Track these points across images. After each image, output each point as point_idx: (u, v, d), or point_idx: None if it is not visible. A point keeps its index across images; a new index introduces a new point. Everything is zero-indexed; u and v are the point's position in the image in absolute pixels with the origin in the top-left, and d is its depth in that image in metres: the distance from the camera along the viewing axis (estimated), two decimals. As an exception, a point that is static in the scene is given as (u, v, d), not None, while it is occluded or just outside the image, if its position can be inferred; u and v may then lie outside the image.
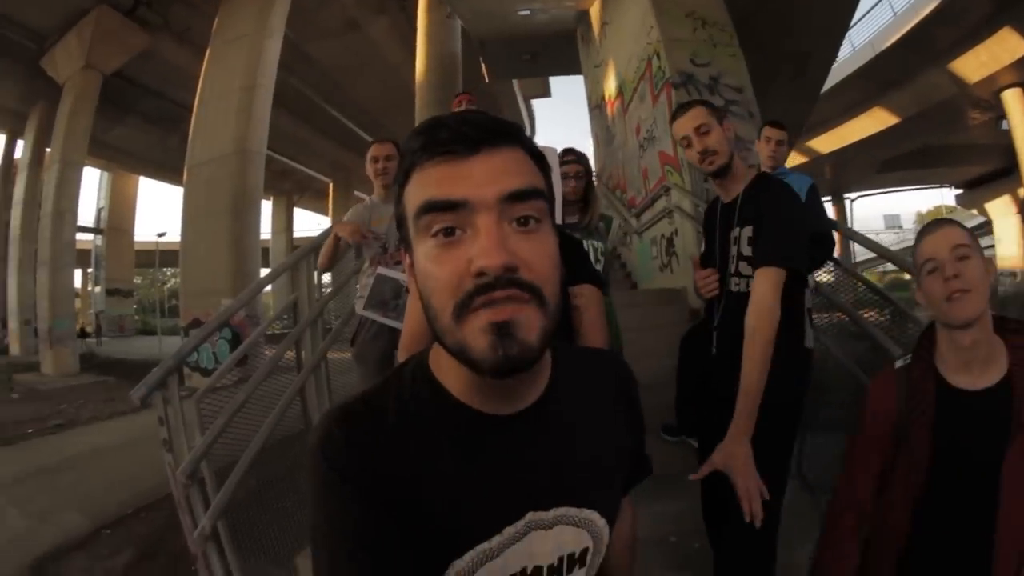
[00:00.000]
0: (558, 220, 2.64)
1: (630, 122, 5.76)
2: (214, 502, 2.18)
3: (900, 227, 46.39)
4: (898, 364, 1.30)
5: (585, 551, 0.69)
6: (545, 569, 0.66)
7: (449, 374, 0.63)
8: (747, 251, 1.72)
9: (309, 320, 3.23)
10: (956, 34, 15.34)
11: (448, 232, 0.54)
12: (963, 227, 1.19)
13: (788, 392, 1.62)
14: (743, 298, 1.66)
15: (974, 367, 1.18)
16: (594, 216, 2.67)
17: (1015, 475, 1.10)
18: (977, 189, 27.14)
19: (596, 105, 7.40)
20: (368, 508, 0.59)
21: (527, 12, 7.50)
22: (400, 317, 2.58)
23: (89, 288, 32.26)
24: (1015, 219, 24.73)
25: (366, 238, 2.78)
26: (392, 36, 15.70)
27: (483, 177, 0.55)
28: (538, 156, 0.62)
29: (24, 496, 5.35)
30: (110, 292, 27.53)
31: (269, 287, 4.19)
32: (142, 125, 21.05)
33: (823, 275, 2.96)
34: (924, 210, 48.46)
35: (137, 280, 35.87)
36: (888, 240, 49.43)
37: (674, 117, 1.79)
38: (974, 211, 30.37)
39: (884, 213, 45.65)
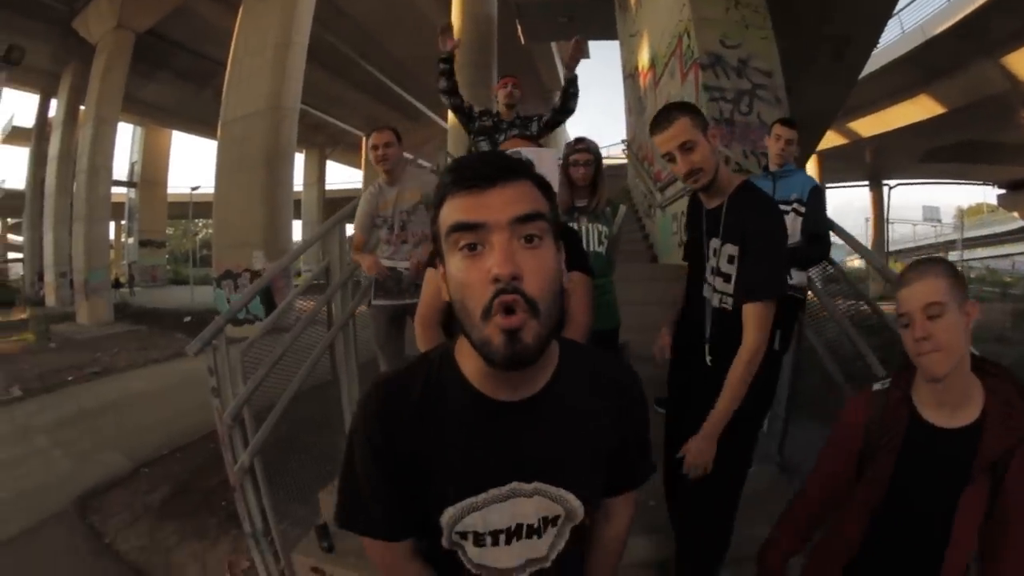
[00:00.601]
0: (569, 203, 2.82)
1: (660, 96, 5.67)
2: (252, 441, 2.49)
3: (939, 221, 44.77)
4: (876, 387, 1.33)
5: (557, 517, 0.88)
6: (525, 527, 0.87)
7: (468, 365, 0.84)
8: (726, 268, 1.73)
9: (340, 282, 3.39)
10: (1013, 26, 14.57)
11: (471, 247, 0.73)
12: (945, 273, 1.17)
13: (754, 392, 1.70)
14: (728, 317, 1.73)
15: (946, 406, 1.21)
16: (600, 201, 2.83)
17: (968, 514, 1.16)
18: (1022, 191, 26.18)
19: (630, 74, 7.26)
20: (382, 467, 0.84)
21: (563, -25, 7.36)
22: (403, 295, 3.07)
23: (123, 239, 33.00)
24: (1059, 223, 23.82)
25: (384, 274, 3.02)
26: (429, -11, 15.53)
27: (498, 205, 0.73)
28: (544, 185, 0.80)
29: (67, 438, 5.69)
30: (143, 243, 28.14)
31: (298, 235, 4.30)
32: (175, 81, 21.30)
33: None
34: (965, 206, 46.90)
35: (169, 231, 36.50)
36: (925, 233, 48.10)
37: (654, 128, 1.73)
38: (1015, 213, 29.38)
39: (923, 204, 44.06)
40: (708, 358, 1.80)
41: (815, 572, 1.40)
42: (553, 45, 19.62)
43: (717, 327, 1.78)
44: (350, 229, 3.57)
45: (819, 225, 2.82)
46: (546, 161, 2.22)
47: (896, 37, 17.79)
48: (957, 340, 1.14)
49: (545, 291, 0.73)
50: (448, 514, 0.83)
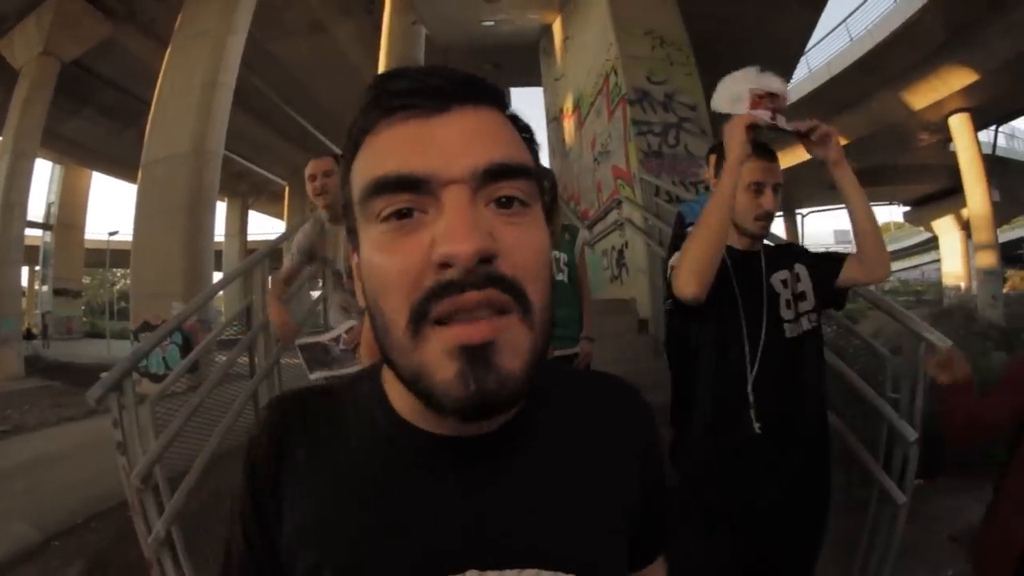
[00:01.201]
0: None
1: (586, 136, 5.87)
2: (168, 507, 2.19)
3: (850, 242, 48.11)
4: None
5: None
6: None
7: (397, 395, 0.50)
8: (803, 287, 1.65)
9: (262, 325, 3.23)
10: (909, 60, 16.01)
11: (401, 213, 0.41)
12: None
13: None
14: (810, 337, 1.63)
15: None
16: (556, 227, 2.66)
17: None
18: (925, 207, 28.29)
19: (554, 118, 7.51)
20: (250, 533, 0.53)
21: (491, 23, 7.58)
22: (342, 363, 2.45)
23: (36, 287, 30.93)
24: (959, 235, 25.87)
25: (288, 340, 2.64)
26: (357, 39, 15.56)
27: (453, 144, 0.41)
28: (524, 128, 0.49)
29: None
30: (58, 292, 26.34)
31: (220, 292, 4.16)
32: (98, 118, 20.32)
33: None
34: (874, 226, 50.35)
35: (86, 280, 34.50)
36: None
37: (764, 151, 1.61)
38: (921, 228, 31.65)
39: (834, 228, 47.63)
40: (756, 425, 1.52)
41: (990, 554, 1.45)
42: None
43: (773, 366, 1.56)
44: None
45: None
46: None
47: (804, 75, 19.22)
48: None
49: (537, 275, 0.42)
50: None
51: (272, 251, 4.17)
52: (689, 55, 4.81)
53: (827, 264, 1.67)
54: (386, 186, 0.41)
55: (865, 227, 1.57)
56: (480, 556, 0.46)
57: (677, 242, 2.95)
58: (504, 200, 0.42)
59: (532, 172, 0.44)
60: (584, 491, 0.51)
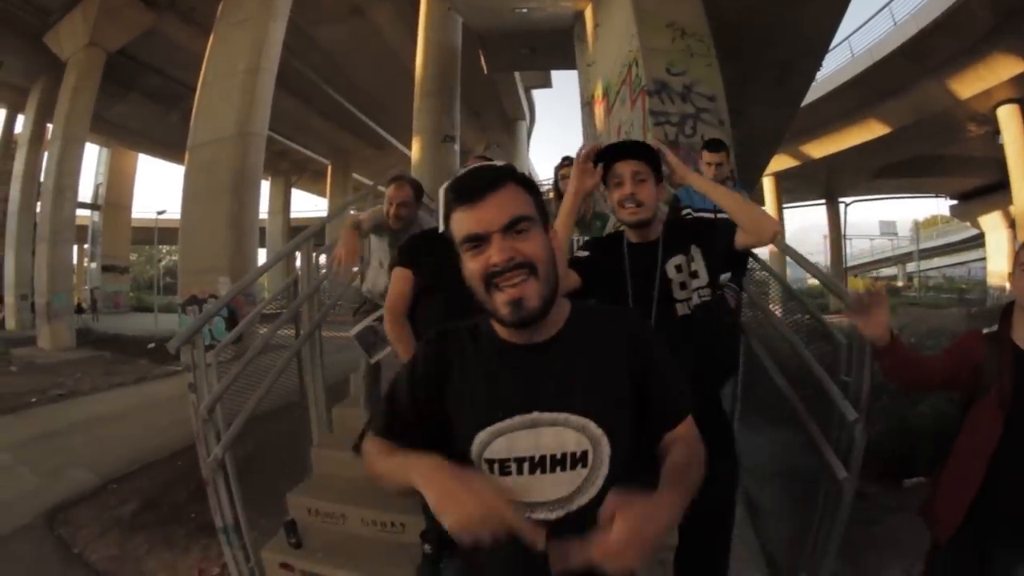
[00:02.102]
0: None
1: (613, 123, 5.97)
2: (225, 436, 2.60)
3: (895, 234, 46.54)
4: (985, 331, 1.75)
5: (585, 453, 0.98)
6: (548, 458, 0.97)
7: (498, 324, 1.01)
8: (697, 267, 1.84)
9: (308, 293, 3.57)
10: (955, 47, 15.52)
11: (476, 247, 0.94)
12: None
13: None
14: (701, 311, 1.83)
15: None
16: (587, 213, 3.12)
17: None
18: (971, 201, 27.36)
19: (587, 102, 7.58)
20: (421, 380, 1.04)
21: (524, 10, 7.67)
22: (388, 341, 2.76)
23: (85, 264, 32.23)
24: (1006, 233, 24.92)
25: (340, 275, 3.21)
26: (395, 22, 15.78)
27: (490, 215, 0.93)
28: (526, 183, 1.00)
29: (34, 456, 5.63)
30: (106, 268, 27.41)
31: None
32: (143, 102, 21.07)
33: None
34: (921, 218, 48.68)
35: (133, 257, 35.76)
36: (882, 247, 49.79)
37: (618, 154, 1.84)
38: (967, 223, 30.59)
39: (880, 219, 45.77)
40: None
41: (942, 505, 1.70)
42: (516, 74, 20.02)
43: (676, 335, 1.76)
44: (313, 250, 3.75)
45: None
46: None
47: (846, 61, 18.71)
48: None
49: (540, 256, 0.95)
50: (478, 439, 0.98)
51: (314, 235, 4.48)
52: (710, 46, 4.85)
53: (723, 236, 1.83)
54: (468, 240, 0.95)
55: (729, 209, 1.82)
56: (538, 405, 0.98)
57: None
58: (519, 230, 0.94)
59: (530, 217, 0.96)
60: (595, 370, 1.01)
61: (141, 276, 44.57)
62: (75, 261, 29.24)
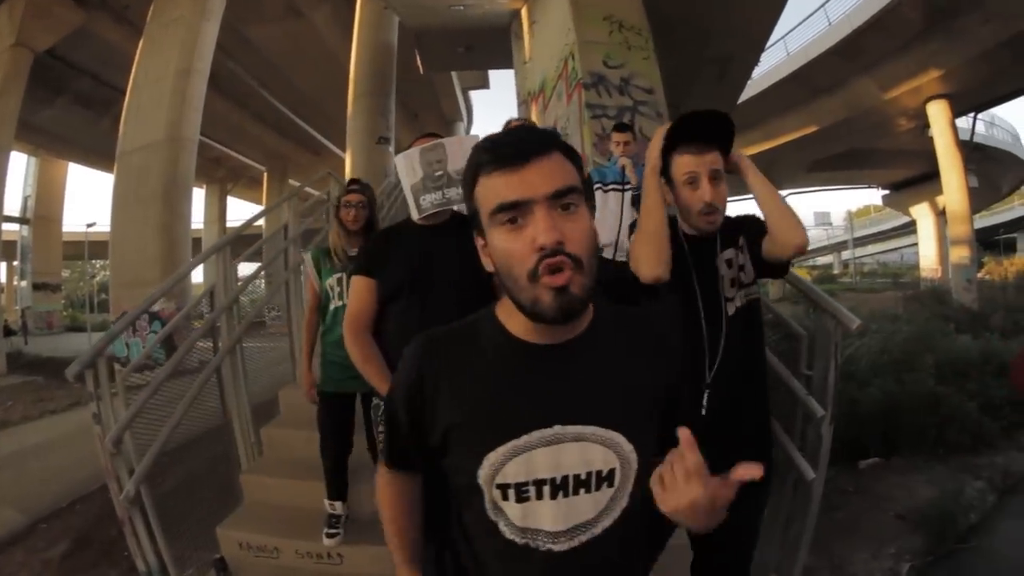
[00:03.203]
0: None
1: (549, 119, 5.94)
2: (138, 469, 2.44)
3: (830, 224, 48.75)
4: None
5: (612, 471, 0.85)
6: (572, 478, 0.84)
7: (511, 320, 0.87)
8: (746, 262, 1.66)
9: (225, 305, 3.39)
10: (887, 46, 16.11)
11: (513, 220, 0.78)
12: None
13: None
14: (745, 311, 1.66)
15: None
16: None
17: None
18: (903, 191, 28.52)
19: (524, 100, 7.55)
20: (413, 402, 0.89)
21: (460, 8, 7.57)
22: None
23: (14, 282, 30.48)
24: (935, 220, 26.17)
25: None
26: (333, 23, 15.47)
27: (537, 181, 0.77)
28: (572, 154, 0.85)
29: None
30: (37, 286, 25.98)
31: (201, 279, 4.29)
32: (74, 107, 19.95)
33: None
34: (854, 208, 50.93)
35: (65, 273, 34.03)
36: (817, 236, 51.86)
37: (684, 136, 1.57)
38: (899, 211, 31.98)
39: (815, 210, 48.04)
40: (704, 407, 1.61)
41: None
42: (453, 73, 19.94)
43: (728, 348, 1.63)
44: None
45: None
46: (468, 146, 2.28)
47: (782, 59, 19.29)
48: None
49: (586, 249, 0.79)
50: (488, 462, 0.82)
51: (236, 238, 4.26)
52: (648, 39, 4.85)
53: (757, 234, 1.62)
54: (506, 207, 0.78)
55: (768, 209, 1.56)
56: (560, 417, 0.83)
57: None
58: (565, 206, 0.78)
59: (579, 188, 0.81)
60: (623, 378, 0.88)
61: (75, 294, 42.44)
62: (4, 279, 27.76)
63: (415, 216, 1.91)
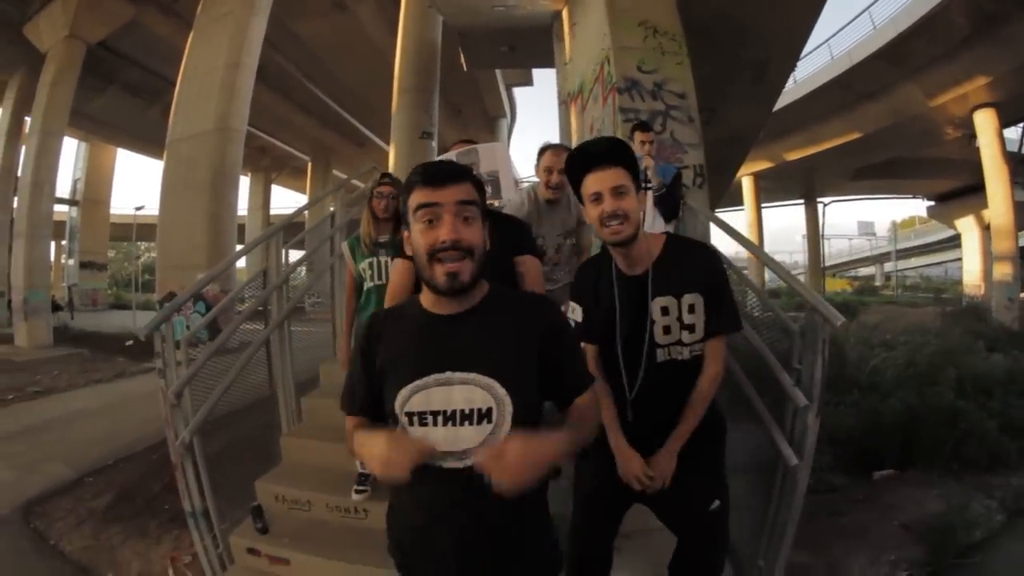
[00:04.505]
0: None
1: (587, 120, 6.04)
2: (193, 420, 2.68)
3: (874, 234, 47.41)
4: None
5: (490, 410, 1.17)
6: (458, 412, 1.17)
7: (425, 298, 1.27)
8: (689, 320, 1.73)
9: (275, 284, 3.68)
10: (933, 52, 15.75)
11: (430, 221, 1.16)
12: None
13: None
14: (675, 366, 1.76)
15: None
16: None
17: None
18: (948, 202, 27.77)
19: (564, 100, 7.65)
20: (363, 365, 1.29)
21: (503, 8, 7.71)
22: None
23: (62, 260, 31.75)
24: (979, 235, 25.35)
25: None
26: (378, 18, 15.73)
27: (448, 195, 1.16)
28: (478, 185, 1.23)
29: (11, 451, 5.67)
30: (84, 265, 27.05)
31: (244, 264, 4.57)
32: (124, 96, 20.74)
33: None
34: (899, 219, 49.53)
35: (111, 253, 35.28)
36: (860, 247, 50.63)
37: (588, 162, 1.68)
38: (944, 224, 31.05)
39: (858, 219, 46.61)
40: (629, 413, 1.81)
41: None
42: (497, 71, 20.04)
43: (650, 382, 1.77)
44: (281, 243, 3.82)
45: (671, 196, 3.81)
46: (498, 152, 2.57)
47: (826, 63, 18.95)
48: None
49: (476, 243, 1.18)
50: (401, 395, 1.19)
51: (286, 226, 4.52)
52: (682, 44, 4.93)
53: (714, 305, 1.74)
54: (424, 205, 1.17)
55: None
56: (451, 365, 1.18)
57: None
58: (465, 217, 1.17)
59: (477, 204, 1.20)
60: (506, 341, 1.21)
61: (120, 273, 43.96)
62: (53, 258, 28.93)
63: None
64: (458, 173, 1.20)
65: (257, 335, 3.55)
